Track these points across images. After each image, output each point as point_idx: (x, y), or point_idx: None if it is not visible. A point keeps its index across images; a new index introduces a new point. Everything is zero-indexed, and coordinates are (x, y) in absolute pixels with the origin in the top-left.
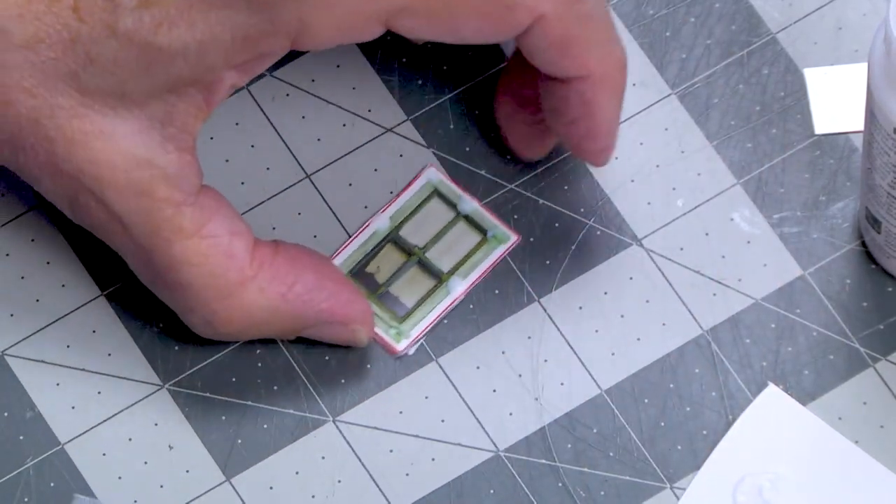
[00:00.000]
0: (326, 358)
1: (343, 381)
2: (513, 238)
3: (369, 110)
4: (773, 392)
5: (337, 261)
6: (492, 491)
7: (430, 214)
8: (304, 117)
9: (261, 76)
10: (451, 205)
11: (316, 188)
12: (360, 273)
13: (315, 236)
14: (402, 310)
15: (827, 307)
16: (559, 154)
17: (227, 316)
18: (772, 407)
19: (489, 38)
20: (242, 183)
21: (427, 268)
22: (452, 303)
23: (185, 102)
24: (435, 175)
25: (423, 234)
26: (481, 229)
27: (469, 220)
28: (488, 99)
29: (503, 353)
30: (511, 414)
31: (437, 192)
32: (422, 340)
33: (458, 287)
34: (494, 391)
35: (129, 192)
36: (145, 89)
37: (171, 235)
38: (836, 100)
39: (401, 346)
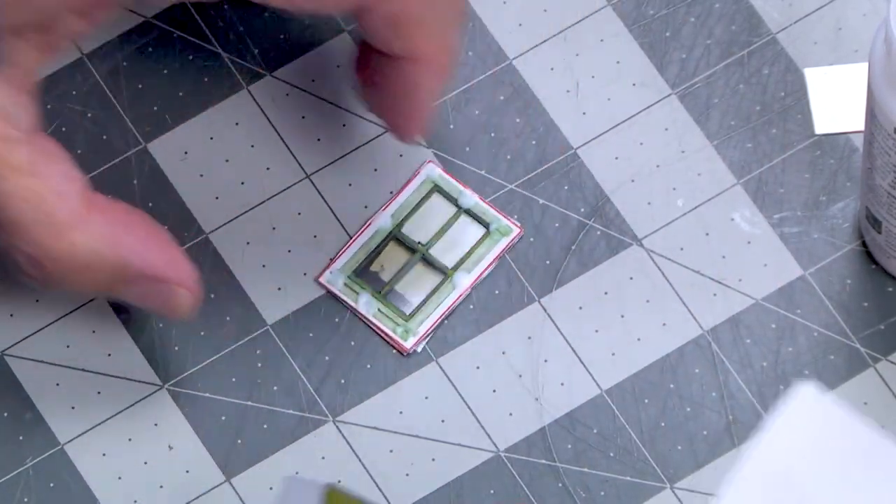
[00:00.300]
0: (326, 358)
1: (343, 381)
2: (515, 231)
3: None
4: (812, 391)
5: (340, 261)
6: (492, 491)
7: (432, 211)
8: (304, 117)
9: (261, 76)
10: (452, 200)
11: (316, 188)
12: (364, 272)
13: (315, 236)
14: (408, 307)
15: (827, 307)
16: (559, 154)
17: (54, 255)
18: (811, 406)
19: (319, 7)
20: (242, 183)
21: (431, 264)
22: (459, 297)
23: (25, 42)
24: (434, 171)
25: (425, 231)
26: (483, 223)
27: (471, 214)
28: (488, 99)
29: (503, 353)
30: (511, 414)
31: (437, 188)
32: (430, 337)
33: (464, 282)
34: (494, 391)
35: None
36: None
37: (3, 171)
38: (837, 100)
39: (409, 343)
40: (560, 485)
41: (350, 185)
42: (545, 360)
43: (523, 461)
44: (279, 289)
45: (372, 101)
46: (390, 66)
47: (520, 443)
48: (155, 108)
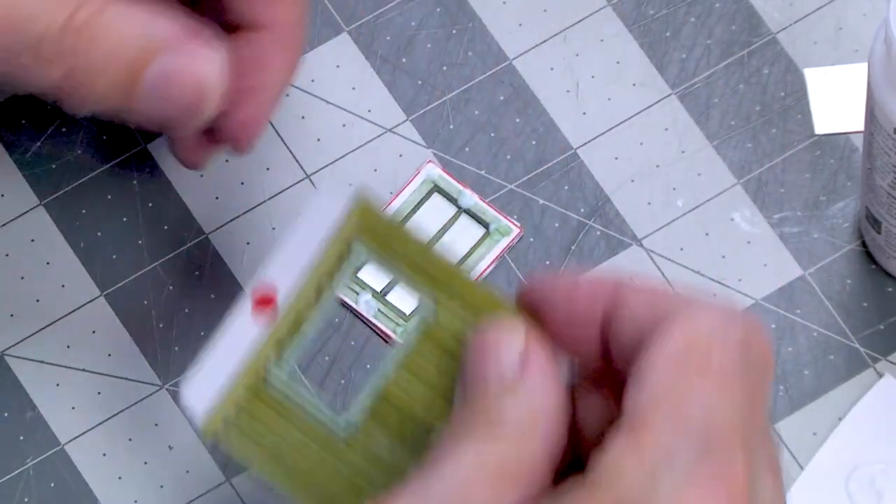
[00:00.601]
0: (326, 358)
1: (343, 381)
2: (515, 231)
3: (369, 110)
4: (887, 382)
5: None
6: None
7: (432, 210)
8: (303, 117)
9: None
10: (452, 200)
11: (316, 188)
12: (364, 272)
13: None
14: (408, 307)
15: (827, 307)
16: (559, 154)
17: (84, 19)
18: (885, 397)
19: None
20: (242, 183)
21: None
22: None
23: None
24: (434, 171)
25: (425, 231)
26: (483, 223)
27: (470, 214)
28: (488, 99)
29: None
30: None
31: (437, 188)
32: None
33: None
34: None
35: None
36: None
37: None
38: (837, 100)
39: None
40: None
41: (350, 185)
42: None
43: None
44: None
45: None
46: (237, 41)
47: None
48: None
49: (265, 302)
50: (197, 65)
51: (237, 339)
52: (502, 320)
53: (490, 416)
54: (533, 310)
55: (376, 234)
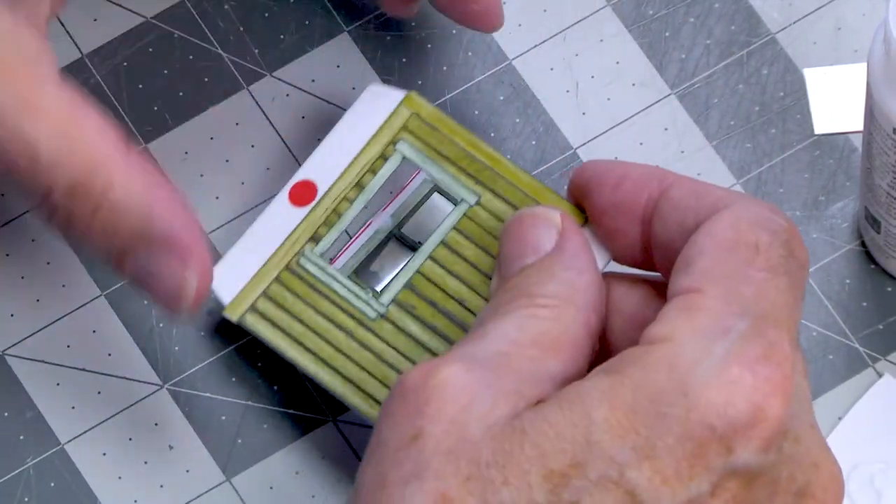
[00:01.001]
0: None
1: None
2: None
3: None
4: (886, 382)
5: (340, 260)
6: None
7: (432, 210)
8: (303, 117)
9: (261, 76)
10: (452, 200)
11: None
12: (364, 272)
13: None
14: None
15: (826, 307)
16: (559, 154)
17: (89, 189)
18: (885, 396)
19: None
20: (242, 183)
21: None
22: None
23: None
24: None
25: (425, 231)
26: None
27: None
28: (488, 99)
29: None
30: None
31: (437, 188)
32: None
33: None
34: None
35: None
36: None
37: (38, 114)
38: (836, 100)
39: None
40: None
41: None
42: None
43: None
44: None
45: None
46: None
47: None
48: (155, 108)
49: (303, 191)
50: (178, 276)
51: (272, 227)
52: (541, 204)
53: (529, 289)
54: (581, 194)
55: (421, 132)
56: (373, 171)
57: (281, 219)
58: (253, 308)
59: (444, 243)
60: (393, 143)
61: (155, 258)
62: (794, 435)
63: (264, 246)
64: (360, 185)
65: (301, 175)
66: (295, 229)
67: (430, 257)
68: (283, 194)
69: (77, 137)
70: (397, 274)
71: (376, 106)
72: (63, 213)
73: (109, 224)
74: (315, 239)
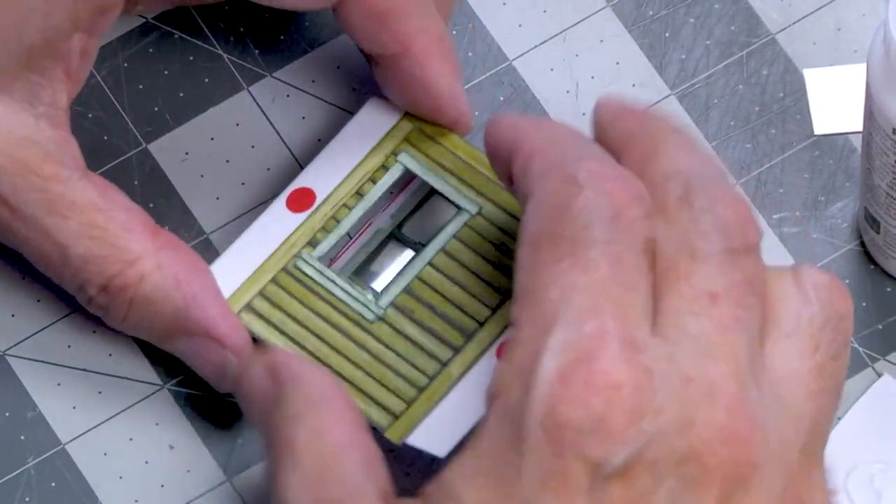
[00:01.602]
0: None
1: (372, 272)
2: None
3: None
4: (886, 382)
5: (340, 261)
6: None
7: (432, 211)
8: (304, 117)
9: (261, 76)
10: (453, 204)
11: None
12: (364, 272)
13: None
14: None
15: None
16: None
17: (122, 285)
18: (884, 396)
19: (301, 4)
20: (242, 183)
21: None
22: None
23: (47, 78)
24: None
25: (425, 231)
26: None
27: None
28: (488, 99)
29: None
30: None
31: (436, 189)
32: None
33: None
34: None
35: (15, 172)
36: (4, 69)
37: (65, 212)
38: (836, 100)
39: None
40: None
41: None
42: None
43: None
44: None
45: (406, 108)
46: (393, 71)
47: None
48: (155, 109)
49: (301, 198)
50: (218, 357)
51: (269, 231)
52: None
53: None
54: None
55: (423, 144)
56: (373, 180)
57: (278, 223)
58: (248, 307)
59: (443, 250)
60: (394, 153)
61: (193, 342)
62: (656, 408)
63: (261, 248)
64: (359, 194)
65: (300, 182)
66: (292, 234)
67: (430, 263)
68: (281, 200)
69: (106, 230)
70: (396, 278)
71: (378, 118)
72: (99, 304)
73: (146, 316)
74: (312, 244)
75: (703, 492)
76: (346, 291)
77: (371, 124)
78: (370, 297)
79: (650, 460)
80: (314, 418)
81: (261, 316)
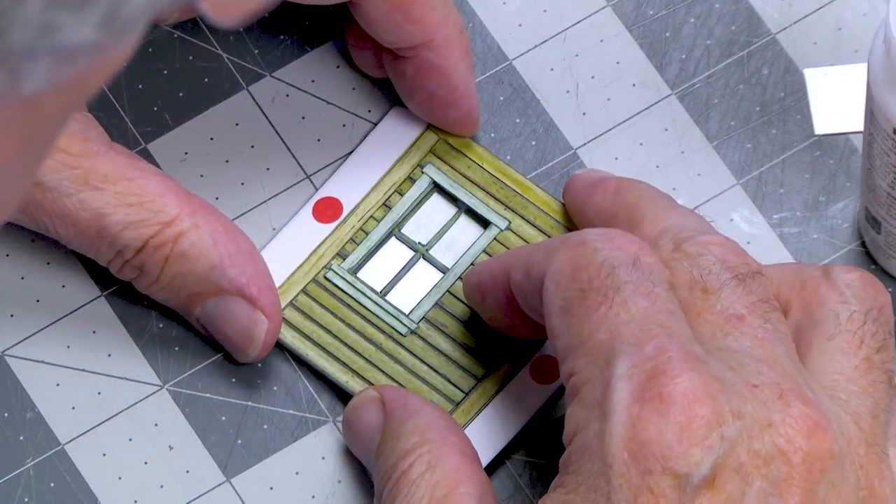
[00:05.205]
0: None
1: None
2: None
3: (369, 110)
4: None
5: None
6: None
7: (432, 211)
8: (304, 117)
9: (261, 76)
10: (452, 199)
11: (316, 188)
12: (364, 272)
13: None
14: (408, 307)
15: None
16: (559, 154)
17: (159, 244)
18: None
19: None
20: (242, 183)
21: (431, 264)
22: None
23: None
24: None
25: (425, 231)
26: (484, 222)
27: (471, 213)
28: (488, 99)
29: None
30: None
31: (437, 188)
32: None
33: None
34: None
35: None
36: None
37: (98, 184)
38: (836, 100)
39: None
40: None
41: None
42: None
43: (524, 461)
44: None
45: (414, 108)
46: (413, 62)
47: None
48: (155, 109)
49: (327, 208)
50: (248, 319)
51: (296, 241)
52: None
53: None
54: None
55: (448, 156)
56: (399, 192)
57: (305, 233)
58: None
59: (473, 265)
60: (420, 165)
61: (224, 301)
62: (733, 411)
63: (289, 259)
64: (387, 206)
65: (325, 192)
66: (321, 244)
67: (461, 278)
68: (307, 210)
69: (141, 196)
70: (429, 293)
71: (402, 128)
72: (133, 266)
73: (179, 273)
74: (341, 255)
75: (791, 489)
76: (378, 304)
77: (395, 134)
78: (403, 310)
79: (735, 465)
80: (428, 452)
81: (293, 326)
